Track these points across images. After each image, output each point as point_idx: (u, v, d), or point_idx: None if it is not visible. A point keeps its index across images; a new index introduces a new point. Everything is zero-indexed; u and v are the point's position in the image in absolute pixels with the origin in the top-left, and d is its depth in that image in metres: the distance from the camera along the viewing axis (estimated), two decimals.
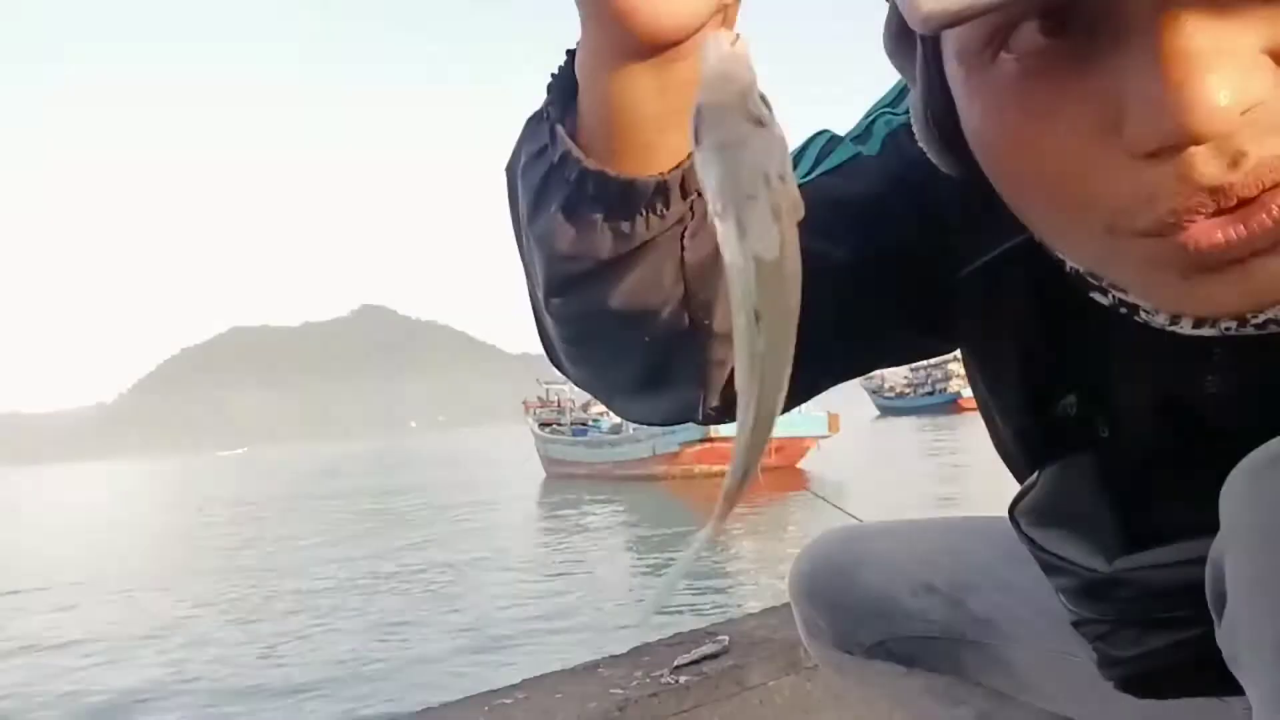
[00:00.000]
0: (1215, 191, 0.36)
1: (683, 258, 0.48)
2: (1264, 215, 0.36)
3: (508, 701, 1.42)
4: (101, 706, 6.35)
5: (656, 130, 0.44)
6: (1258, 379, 0.50)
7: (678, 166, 0.45)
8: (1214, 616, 0.44)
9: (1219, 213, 0.36)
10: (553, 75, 0.47)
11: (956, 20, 0.35)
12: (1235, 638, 0.42)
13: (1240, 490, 0.41)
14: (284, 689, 6.38)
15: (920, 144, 0.50)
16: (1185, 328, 0.48)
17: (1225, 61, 0.34)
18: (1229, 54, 0.34)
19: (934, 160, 0.50)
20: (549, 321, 0.55)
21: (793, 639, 1.59)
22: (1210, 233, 0.37)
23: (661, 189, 0.45)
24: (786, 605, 1.79)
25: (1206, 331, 0.47)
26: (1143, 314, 0.49)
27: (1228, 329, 0.46)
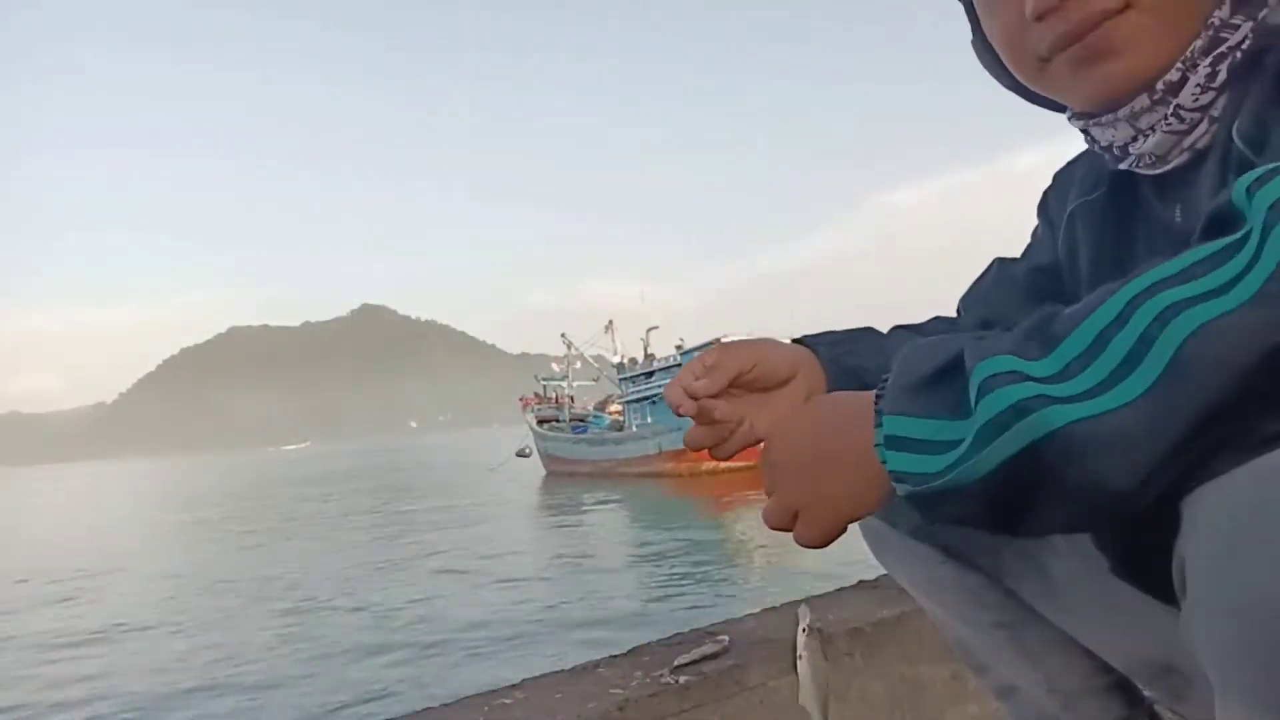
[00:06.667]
0: (1059, 20, 0.71)
1: None
2: (1098, 35, 0.69)
3: (507, 701, 1.41)
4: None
5: None
6: None
7: None
8: (1180, 601, 0.48)
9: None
10: None
11: None
12: (1191, 628, 0.45)
13: (1206, 496, 0.45)
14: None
15: (978, 61, 0.86)
16: (1144, 166, 0.75)
17: None
18: None
19: (987, 71, 0.85)
20: None
21: (793, 639, 1.58)
22: (1069, 43, 0.71)
23: None
24: (787, 604, 1.79)
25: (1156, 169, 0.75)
26: (1140, 163, 0.75)
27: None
